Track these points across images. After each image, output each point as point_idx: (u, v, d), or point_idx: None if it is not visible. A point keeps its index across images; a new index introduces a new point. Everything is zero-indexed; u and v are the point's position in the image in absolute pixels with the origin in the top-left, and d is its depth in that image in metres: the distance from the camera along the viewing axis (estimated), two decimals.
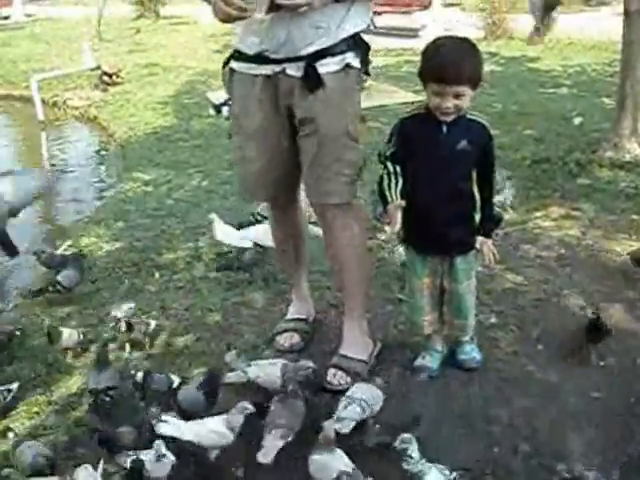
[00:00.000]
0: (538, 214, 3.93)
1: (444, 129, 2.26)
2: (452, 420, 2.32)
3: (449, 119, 2.25)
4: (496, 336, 2.76)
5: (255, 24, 2.24)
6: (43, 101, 8.38)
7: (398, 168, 2.31)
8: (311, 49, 2.27)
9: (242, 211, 3.95)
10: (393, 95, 6.98)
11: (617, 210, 3.92)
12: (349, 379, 2.48)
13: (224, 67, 2.51)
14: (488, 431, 2.26)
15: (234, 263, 3.48)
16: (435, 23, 10.58)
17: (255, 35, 2.30)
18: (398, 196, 2.27)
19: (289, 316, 2.87)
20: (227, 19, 2.19)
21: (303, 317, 2.84)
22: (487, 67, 8.02)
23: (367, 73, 2.43)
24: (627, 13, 4.59)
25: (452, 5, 12.19)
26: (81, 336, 2.85)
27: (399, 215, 2.24)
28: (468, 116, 2.28)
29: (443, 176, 2.30)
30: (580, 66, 8.20)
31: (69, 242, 4.20)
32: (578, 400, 2.39)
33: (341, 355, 2.57)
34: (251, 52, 2.34)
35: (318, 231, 3.12)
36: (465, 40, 2.32)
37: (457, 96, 2.20)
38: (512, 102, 6.49)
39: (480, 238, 2.34)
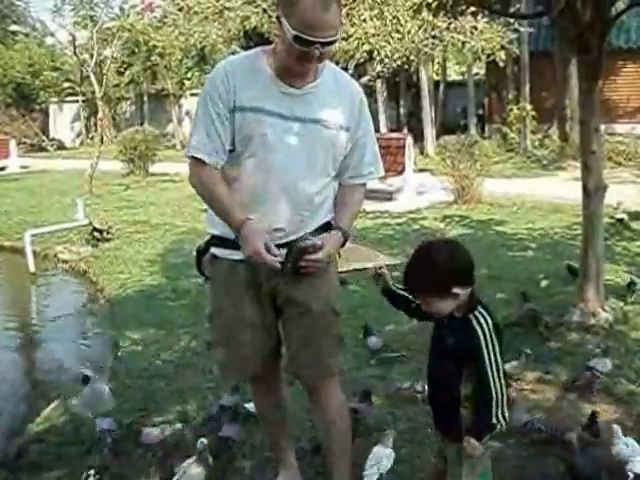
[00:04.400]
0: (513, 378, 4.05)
1: (443, 322, 2.28)
2: None
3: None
4: None
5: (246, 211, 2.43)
6: (34, 253, 8.63)
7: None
8: (291, 237, 2.46)
9: None
10: (373, 258, 7.23)
11: None
12: None
13: (201, 254, 2.62)
14: None
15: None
16: (409, 187, 11.32)
17: None
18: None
19: None
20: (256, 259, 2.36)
21: None
22: (458, 230, 8.62)
23: (339, 254, 2.65)
24: (585, 190, 4.98)
25: (423, 171, 12.97)
26: None
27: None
28: (471, 314, 2.23)
29: (432, 366, 2.36)
30: (543, 229, 8.67)
31: (57, 402, 4.26)
32: None
33: None
34: (234, 236, 2.45)
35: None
36: (440, 247, 2.31)
37: (425, 302, 2.27)
38: (482, 265, 6.71)
39: (467, 437, 2.21)
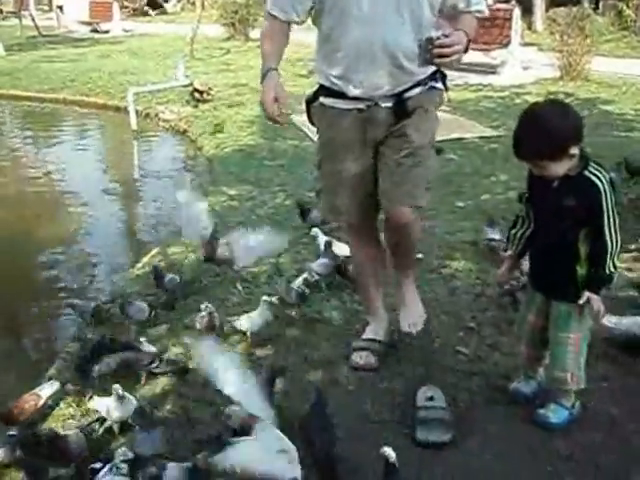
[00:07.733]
0: None
1: (555, 183, 2.26)
2: None
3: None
4: None
5: (349, 72, 2.49)
6: (137, 112, 8.91)
7: (531, 213, 2.41)
8: (402, 88, 2.53)
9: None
10: (471, 129, 7.13)
11: None
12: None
13: (310, 104, 2.67)
14: None
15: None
16: (513, 61, 10.79)
17: (351, 83, 2.50)
18: (518, 246, 2.46)
19: (365, 335, 2.95)
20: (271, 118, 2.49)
21: (379, 338, 2.92)
22: None
23: (446, 88, 2.67)
24: None
25: (530, 45, 12.31)
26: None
27: (507, 266, 2.53)
28: (586, 171, 2.23)
29: (549, 227, 2.34)
30: None
31: (157, 249, 4.52)
32: None
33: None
34: (349, 94, 2.53)
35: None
36: (550, 108, 2.28)
37: (539, 167, 2.25)
38: (586, 144, 6.50)
39: (586, 293, 2.28)
